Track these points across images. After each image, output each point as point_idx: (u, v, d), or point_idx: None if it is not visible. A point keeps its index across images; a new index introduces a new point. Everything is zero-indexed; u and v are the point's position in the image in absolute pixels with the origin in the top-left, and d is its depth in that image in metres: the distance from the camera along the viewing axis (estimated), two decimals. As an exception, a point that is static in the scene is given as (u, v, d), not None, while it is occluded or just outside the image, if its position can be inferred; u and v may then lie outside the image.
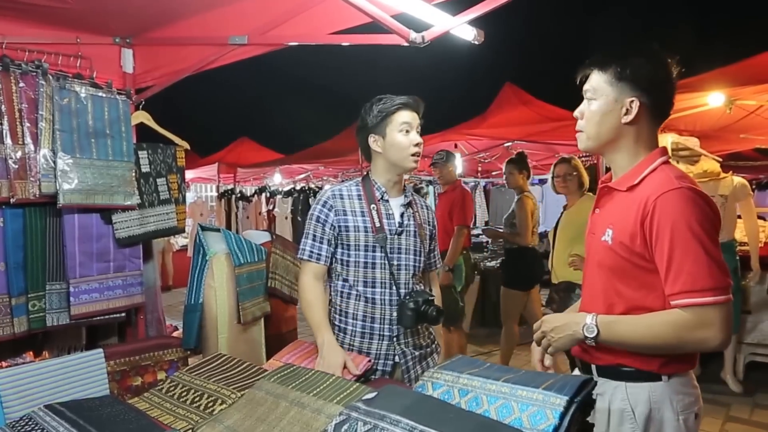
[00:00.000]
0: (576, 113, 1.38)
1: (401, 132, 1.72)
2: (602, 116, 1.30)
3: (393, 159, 1.75)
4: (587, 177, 3.44)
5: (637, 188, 1.28)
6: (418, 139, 1.74)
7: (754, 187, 8.76)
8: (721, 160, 3.67)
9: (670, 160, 1.34)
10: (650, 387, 1.26)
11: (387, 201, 1.78)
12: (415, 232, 1.80)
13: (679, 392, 1.27)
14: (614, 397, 1.30)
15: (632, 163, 1.32)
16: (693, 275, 1.15)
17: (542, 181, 10.06)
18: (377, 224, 1.73)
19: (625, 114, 1.28)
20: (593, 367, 1.35)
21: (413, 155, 1.74)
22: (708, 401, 2.74)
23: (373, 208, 1.75)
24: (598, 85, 1.31)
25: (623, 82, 1.27)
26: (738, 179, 3.70)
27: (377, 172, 1.81)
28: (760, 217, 4.60)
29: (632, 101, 1.27)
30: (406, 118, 1.73)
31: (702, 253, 1.15)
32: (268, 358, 1.83)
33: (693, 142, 3.30)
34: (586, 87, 1.34)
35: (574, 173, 3.35)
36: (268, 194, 9.24)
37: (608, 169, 1.42)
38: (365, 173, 1.85)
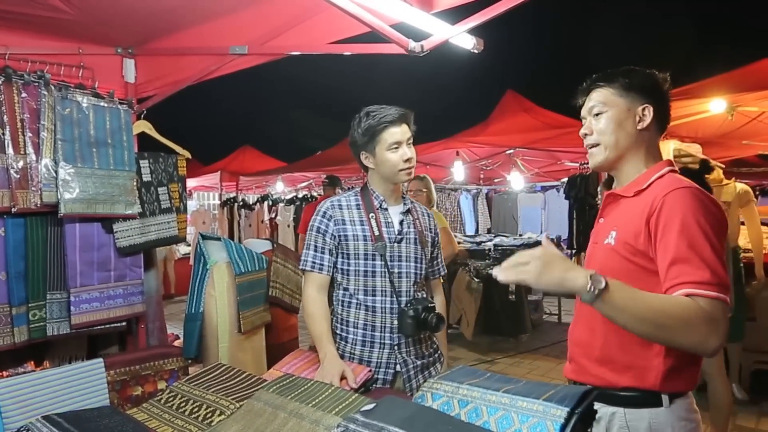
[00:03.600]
0: (584, 131, 1.37)
1: (390, 150, 1.71)
2: (617, 125, 1.30)
3: (385, 175, 1.76)
4: (435, 196, 3.88)
5: (644, 192, 1.28)
6: (409, 154, 1.72)
7: (757, 193, 8.74)
8: (723, 166, 3.65)
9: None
10: (651, 413, 1.21)
11: (386, 209, 1.78)
12: (415, 239, 1.79)
13: (681, 418, 1.21)
14: (612, 424, 1.24)
15: (640, 172, 1.32)
16: (702, 269, 1.11)
17: (544, 188, 10.06)
18: (376, 233, 1.73)
19: (639, 121, 1.30)
20: None
21: (404, 170, 1.73)
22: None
23: (372, 216, 1.75)
24: (606, 97, 1.32)
25: (633, 91, 1.30)
26: (741, 186, 3.67)
27: (374, 183, 1.82)
28: (763, 224, 4.57)
29: (644, 108, 1.29)
30: (395, 137, 1.71)
31: (710, 249, 1.12)
32: (269, 368, 1.83)
33: (695, 149, 3.27)
34: (591, 104, 1.35)
35: (424, 190, 3.74)
36: (270, 202, 9.27)
37: (608, 180, 1.42)
38: (364, 183, 1.86)
